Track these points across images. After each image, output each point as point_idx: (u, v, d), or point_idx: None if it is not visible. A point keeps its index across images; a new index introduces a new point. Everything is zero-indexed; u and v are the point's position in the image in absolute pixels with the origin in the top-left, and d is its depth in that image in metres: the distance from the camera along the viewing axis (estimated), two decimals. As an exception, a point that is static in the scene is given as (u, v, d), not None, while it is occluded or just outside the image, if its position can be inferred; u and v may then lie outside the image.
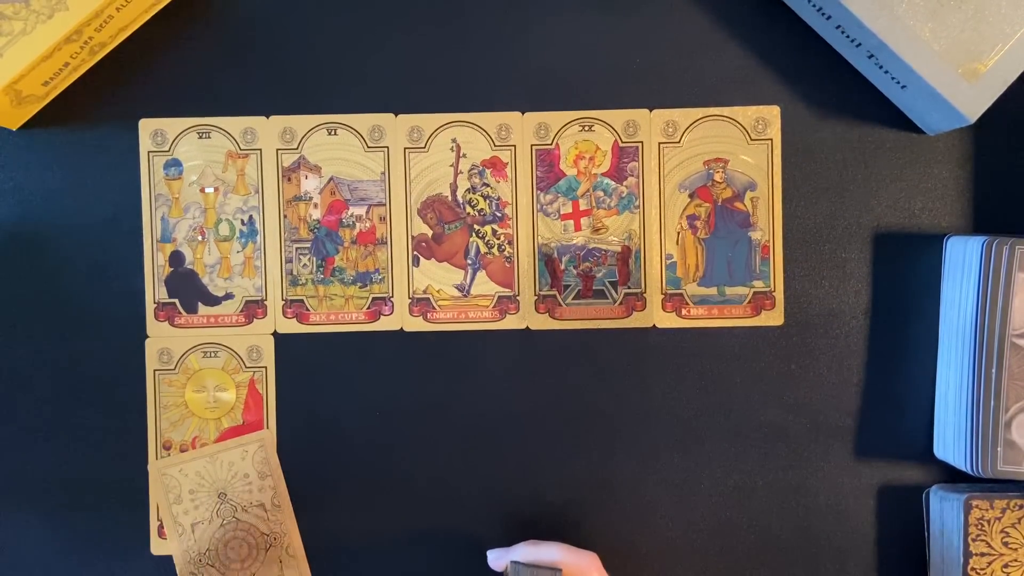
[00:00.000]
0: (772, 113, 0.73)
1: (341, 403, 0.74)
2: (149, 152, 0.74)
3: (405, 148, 0.74)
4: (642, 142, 0.73)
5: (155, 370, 0.74)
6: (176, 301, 0.74)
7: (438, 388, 0.74)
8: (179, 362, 0.74)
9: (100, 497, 0.74)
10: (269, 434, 0.74)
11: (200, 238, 0.74)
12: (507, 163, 0.74)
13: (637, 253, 0.74)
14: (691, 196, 0.73)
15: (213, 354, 0.74)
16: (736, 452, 0.74)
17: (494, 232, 0.74)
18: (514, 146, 0.74)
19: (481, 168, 0.74)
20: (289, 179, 0.74)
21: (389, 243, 0.74)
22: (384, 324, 0.74)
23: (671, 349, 0.73)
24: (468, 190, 0.74)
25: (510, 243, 0.74)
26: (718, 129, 0.73)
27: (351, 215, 0.74)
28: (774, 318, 0.73)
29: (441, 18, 0.73)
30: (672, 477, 0.74)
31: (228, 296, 0.74)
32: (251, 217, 0.74)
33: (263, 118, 0.74)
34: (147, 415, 0.74)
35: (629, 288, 0.74)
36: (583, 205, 0.74)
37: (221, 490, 0.74)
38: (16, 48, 0.66)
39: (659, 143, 0.73)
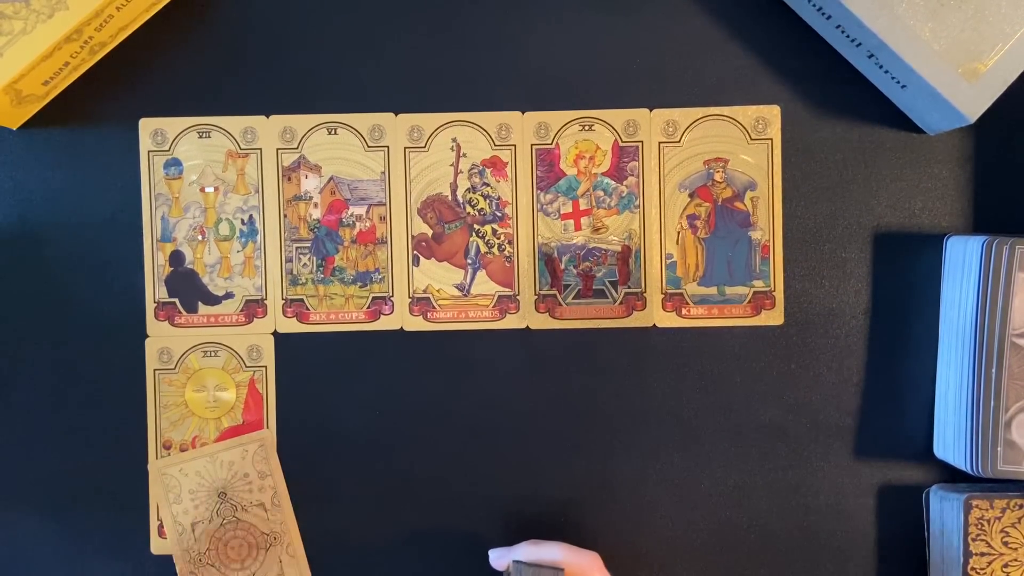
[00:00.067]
0: (772, 113, 0.73)
1: (341, 403, 0.74)
2: (149, 152, 0.74)
3: (405, 148, 0.74)
4: (642, 142, 0.73)
5: (155, 370, 0.74)
6: (176, 301, 0.74)
7: (438, 388, 0.74)
8: (179, 362, 0.74)
9: (100, 497, 0.74)
10: (269, 434, 0.74)
11: (200, 237, 0.74)
12: (507, 163, 0.74)
13: (637, 253, 0.74)
14: (691, 196, 0.73)
15: (213, 354, 0.74)
16: (736, 452, 0.74)
17: (494, 232, 0.74)
18: (514, 146, 0.74)
19: (481, 168, 0.74)
20: (289, 179, 0.74)
21: (389, 243, 0.74)
22: (384, 324, 0.74)
23: (671, 349, 0.73)
24: (468, 190, 0.74)
25: (510, 243, 0.74)
26: (718, 129, 0.73)
27: (351, 215, 0.74)
28: (774, 318, 0.73)
29: (441, 18, 0.73)
30: (672, 477, 0.74)
31: (228, 296, 0.74)
32: (251, 217, 0.74)
33: (263, 118, 0.74)
34: (147, 415, 0.74)
35: (629, 288, 0.74)
36: (583, 205, 0.74)
37: (221, 490, 0.74)
38: (16, 48, 0.66)
39: (659, 143, 0.73)
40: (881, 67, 0.69)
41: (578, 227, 0.74)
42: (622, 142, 0.73)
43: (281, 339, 0.74)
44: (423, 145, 0.74)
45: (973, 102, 0.66)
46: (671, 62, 0.73)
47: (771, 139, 0.73)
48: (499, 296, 0.74)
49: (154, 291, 0.74)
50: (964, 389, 0.68)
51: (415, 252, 0.74)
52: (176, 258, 0.74)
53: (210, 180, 0.74)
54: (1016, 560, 0.68)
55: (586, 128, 0.74)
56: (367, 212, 0.74)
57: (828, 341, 0.73)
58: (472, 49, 0.73)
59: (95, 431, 0.73)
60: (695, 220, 0.74)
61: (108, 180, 0.74)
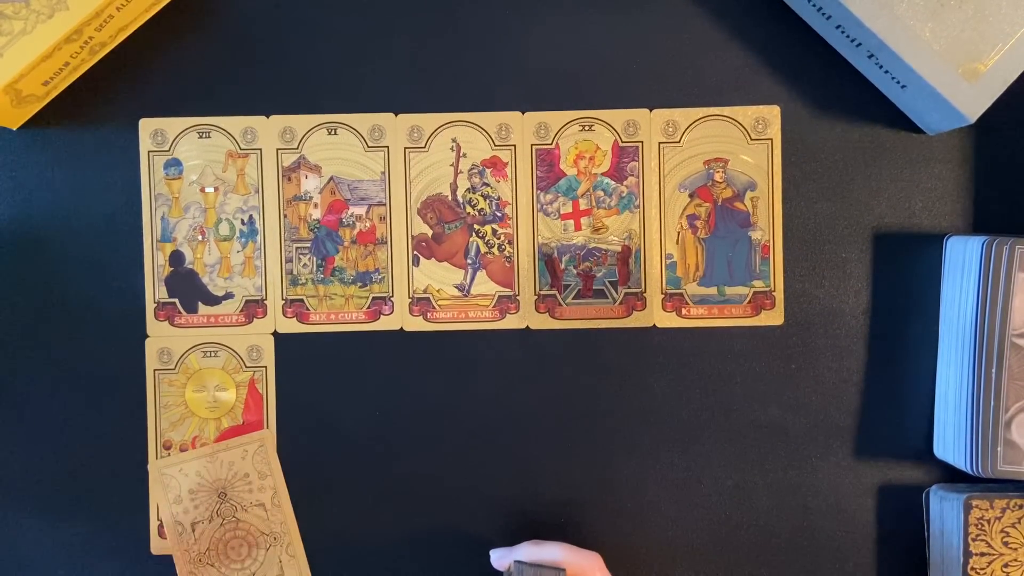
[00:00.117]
0: (772, 113, 0.73)
1: (341, 403, 0.74)
2: (149, 152, 0.74)
3: (405, 148, 0.74)
4: (642, 142, 0.73)
5: (155, 370, 0.74)
6: (176, 301, 0.74)
7: (438, 388, 0.74)
8: (179, 362, 0.74)
9: (100, 497, 0.74)
10: (269, 434, 0.74)
11: (200, 238, 0.74)
12: (507, 163, 0.74)
13: (637, 253, 0.74)
14: (691, 196, 0.73)
15: (213, 354, 0.74)
16: (736, 452, 0.74)
17: (494, 232, 0.74)
18: (514, 146, 0.74)
19: (481, 168, 0.74)
20: (289, 179, 0.74)
21: (389, 243, 0.74)
22: (384, 324, 0.74)
23: (671, 349, 0.73)
24: (468, 190, 0.74)
25: (510, 243, 0.74)
26: (718, 129, 0.73)
27: (351, 215, 0.74)
28: (774, 318, 0.73)
29: (441, 18, 0.73)
30: (672, 477, 0.74)
31: (228, 296, 0.74)
32: (251, 217, 0.74)
33: (263, 118, 0.74)
34: (147, 415, 0.74)
35: (629, 288, 0.74)
36: (583, 205, 0.74)
37: (221, 490, 0.74)
38: (16, 48, 0.66)
39: (659, 143, 0.73)
40: (881, 67, 0.69)
41: (578, 227, 0.74)
42: (622, 142, 0.73)
43: (281, 339, 0.74)
44: (423, 145, 0.74)
45: (973, 102, 0.66)
46: (671, 62, 0.73)
47: (771, 139, 0.73)
48: (499, 296, 0.74)
49: (154, 291, 0.74)
50: (964, 389, 0.68)
51: (415, 252, 0.74)
52: (176, 258, 0.74)
53: (210, 180, 0.74)
54: (1016, 560, 0.68)
55: (586, 128, 0.74)
56: (367, 212, 0.74)
57: (828, 341, 0.73)
58: (472, 49, 0.73)
59: (95, 431, 0.73)
60: (695, 220, 0.74)
61: (108, 180, 0.74)
